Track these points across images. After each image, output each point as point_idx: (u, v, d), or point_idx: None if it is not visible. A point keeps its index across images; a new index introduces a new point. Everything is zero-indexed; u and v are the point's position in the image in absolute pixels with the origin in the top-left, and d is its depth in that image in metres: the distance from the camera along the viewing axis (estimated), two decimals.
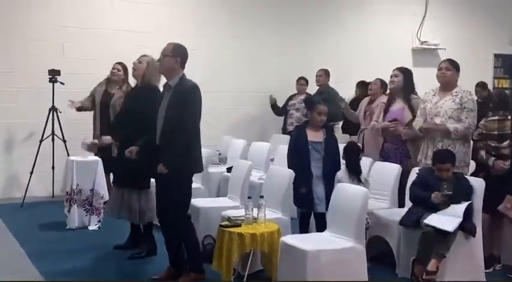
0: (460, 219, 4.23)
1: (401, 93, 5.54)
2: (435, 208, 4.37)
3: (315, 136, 4.92)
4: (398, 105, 5.53)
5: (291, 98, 8.45)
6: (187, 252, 4.40)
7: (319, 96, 7.90)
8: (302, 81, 8.44)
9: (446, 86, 5.06)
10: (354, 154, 4.90)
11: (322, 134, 4.96)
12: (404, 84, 5.54)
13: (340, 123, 8.15)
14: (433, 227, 4.21)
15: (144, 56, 5.03)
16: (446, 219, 4.24)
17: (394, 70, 5.65)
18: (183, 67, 4.33)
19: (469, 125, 4.89)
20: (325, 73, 8.31)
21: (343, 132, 8.14)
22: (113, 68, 6.71)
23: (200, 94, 4.26)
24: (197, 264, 4.39)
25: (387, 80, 6.88)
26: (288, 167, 4.97)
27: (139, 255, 4.99)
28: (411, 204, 4.67)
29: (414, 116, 5.27)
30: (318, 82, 8.26)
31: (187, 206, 4.37)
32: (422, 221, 4.32)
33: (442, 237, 4.19)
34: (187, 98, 4.21)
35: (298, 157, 4.90)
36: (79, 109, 6.81)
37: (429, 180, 4.52)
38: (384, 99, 6.41)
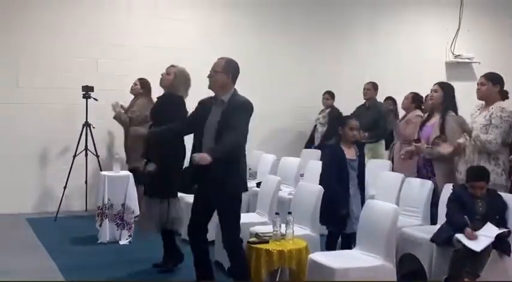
0: (491, 240, 4.12)
1: (440, 110, 5.33)
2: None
3: (349, 153, 4.84)
4: (433, 120, 5.38)
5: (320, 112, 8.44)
6: (234, 277, 4.31)
7: (367, 112, 7.84)
8: (326, 95, 8.37)
9: (486, 101, 5.00)
10: None
11: (355, 150, 4.88)
12: (443, 100, 5.29)
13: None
14: (463, 245, 4.11)
15: (172, 66, 5.11)
16: (478, 238, 4.14)
17: (434, 85, 5.42)
18: (234, 82, 4.28)
19: (489, 140, 4.78)
20: (374, 86, 8.02)
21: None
22: (135, 84, 6.97)
23: (252, 110, 4.23)
24: None
25: (422, 93, 6.88)
26: (324, 185, 4.83)
27: (168, 268, 5.01)
28: (444, 220, 4.56)
29: (442, 133, 5.15)
30: (366, 96, 8.01)
31: (239, 228, 4.25)
32: (454, 237, 4.21)
33: (475, 256, 4.08)
34: (242, 113, 4.16)
35: (338, 176, 4.77)
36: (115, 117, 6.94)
37: (463, 197, 4.42)
38: (416, 113, 6.35)
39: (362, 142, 5.18)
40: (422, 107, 6.75)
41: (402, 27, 9.72)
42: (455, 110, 5.30)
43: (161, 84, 5.13)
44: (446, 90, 5.34)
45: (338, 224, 4.74)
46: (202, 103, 4.40)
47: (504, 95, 5.22)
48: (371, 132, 7.53)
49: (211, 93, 4.34)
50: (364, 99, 8.06)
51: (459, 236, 4.19)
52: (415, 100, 6.86)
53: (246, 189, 4.39)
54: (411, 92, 6.99)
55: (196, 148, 4.25)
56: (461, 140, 5.02)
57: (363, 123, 7.23)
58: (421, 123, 5.56)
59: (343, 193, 4.72)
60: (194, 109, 4.47)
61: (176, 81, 5.00)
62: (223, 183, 4.10)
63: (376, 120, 7.70)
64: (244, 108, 4.20)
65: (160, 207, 4.95)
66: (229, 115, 4.14)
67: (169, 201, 4.97)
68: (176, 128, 4.60)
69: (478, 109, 5.09)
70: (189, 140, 4.51)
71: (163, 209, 4.95)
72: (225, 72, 4.23)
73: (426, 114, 5.67)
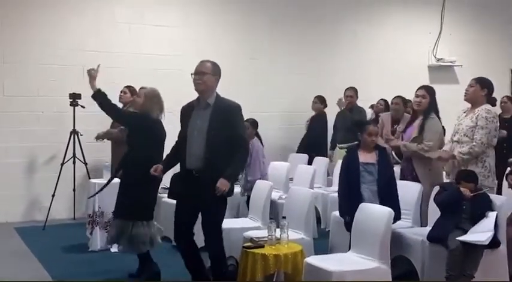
0: (492, 233, 4.23)
1: (424, 113, 5.44)
2: (462, 229, 4.35)
3: (367, 158, 4.85)
4: (416, 122, 5.47)
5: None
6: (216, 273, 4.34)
7: (350, 115, 7.92)
8: (315, 99, 8.46)
9: (472, 104, 5.09)
10: None
11: (375, 155, 4.88)
12: (429, 105, 5.39)
13: None
14: (465, 243, 4.18)
15: (142, 88, 5.18)
16: (478, 235, 4.23)
17: (420, 89, 5.44)
18: (216, 85, 4.34)
19: (475, 144, 4.87)
20: (355, 93, 8.14)
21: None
22: (121, 92, 6.93)
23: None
24: None
25: (406, 96, 6.97)
26: (338, 190, 4.94)
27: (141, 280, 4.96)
28: (436, 218, 4.63)
29: (420, 134, 5.24)
30: (350, 104, 8.11)
31: (221, 229, 4.32)
32: (451, 238, 4.28)
33: (470, 256, 4.17)
34: (237, 117, 4.23)
35: (347, 180, 4.82)
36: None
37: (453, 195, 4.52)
38: (407, 118, 6.46)
39: (384, 148, 5.17)
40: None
41: (384, 32, 9.85)
42: (436, 112, 5.42)
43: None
44: (431, 95, 5.43)
45: (347, 227, 4.74)
46: (183, 109, 4.43)
47: (492, 102, 5.30)
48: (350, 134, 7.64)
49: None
50: (347, 105, 8.15)
51: (461, 238, 4.25)
52: (405, 103, 7.01)
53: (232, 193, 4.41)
54: (398, 96, 7.08)
55: (181, 155, 4.27)
56: (456, 154, 5.01)
57: (347, 127, 7.39)
58: (406, 125, 5.66)
59: (350, 198, 4.70)
60: (180, 121, 4.44)
61: (147, 103, 4.94)
62: (214, 188, 4.10)
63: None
64: (239, 114, 4.26)
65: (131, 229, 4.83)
66: (220, 120, 4.16)
67: (142, 223, 4.86)
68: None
69: (464, 112, 5.17)
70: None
71: (135, 231, 4.83)
72: (213, 74, 4.27)
73: (409, 116, 5.78)
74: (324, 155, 8.06)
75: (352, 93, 8.14)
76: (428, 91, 5.44)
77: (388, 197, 4.73)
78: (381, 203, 4.64)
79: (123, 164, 5.02)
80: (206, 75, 4.24)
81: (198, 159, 4.18)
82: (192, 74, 4.30)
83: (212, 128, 4.16)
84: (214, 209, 4.23)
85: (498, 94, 9.11)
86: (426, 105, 5.36)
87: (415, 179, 5.27)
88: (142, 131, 4.86)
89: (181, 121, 4.46)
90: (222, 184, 4.06)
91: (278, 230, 4.43)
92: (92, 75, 5.02)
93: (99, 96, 4.92)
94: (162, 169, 4.43)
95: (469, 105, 5.18)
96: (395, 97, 7.45)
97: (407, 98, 6.99)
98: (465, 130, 4.97)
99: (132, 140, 4.96)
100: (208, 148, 4.15)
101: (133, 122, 4.99)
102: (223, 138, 4.15)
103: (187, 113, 4.38)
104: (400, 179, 5.38)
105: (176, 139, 4.50)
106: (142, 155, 4.76)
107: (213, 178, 4.09)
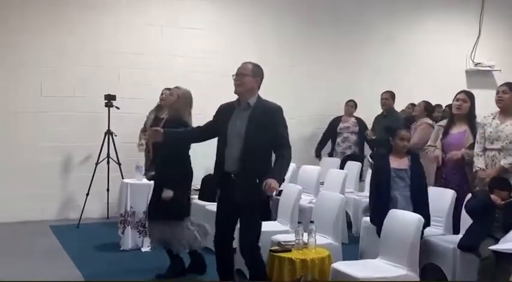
0: None
1: (465, 118, 5.37)
2: (494, 237, 4.25)
3: (399, 163, 4.80)
4: (459, 128, 5.38)
5: (336, 120, 8.41)
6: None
7: (384, 120, 7.85)
8: (351, 103, 8.40)
9: (505, 110, 4.95)
10: None
11: (407, 160, 4.82)
12: (469, 110, 5.34)
13: None
14: (496, 252, 4.06)
15: (177, 87, 5.06)
16: (510, 244, 4.11)
17: (461, 93, 5.40)
18: (259, 87, 4.25)
19: None
20: (391, 96, 8.04)
21: None
22: (162, 94, 6.92)
23: None
24: None
25: (443, 102, 6.91)
26: (369, 196, 4.91)
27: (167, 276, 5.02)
28: (468, 225, 4.53)
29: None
30: (384, 106, 8.03)
31: (259, 234, 4.23)
32: (482, 247, 4.18)
33: (502, 265, 4.06)
34: (279, 118, 4.16)
35: (378, 186, 4.77)
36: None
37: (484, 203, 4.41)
38: (426, 121, 6.39)
39: (417, 153, 5.11)
40: (433, 115, 6.84)
41: (422, 36, 9.71)
42: (474, 118, 5.38)
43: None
44: (472, 100, 5.39)
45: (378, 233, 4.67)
46: (222, 108, 4.35)
47: None
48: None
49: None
50: (382, 108, 8.08)
51: (492, 247, 4.15)
52: (427, 108, 7.00)
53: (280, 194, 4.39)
54: (422, 101, 7.14)
55: (219, 156, 4.22)
56: (503, 164, 4.86)
57: (380, 132, 7.30)
58: (444, 131, 5.50)
59: (381, 204, 4.63)
60: (214, 116, 4.42)
61: (178, 104, 4.92)
62: (253, 192, 4.04)
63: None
64: (280, 115, 4.17)
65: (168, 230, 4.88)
66: (261, 121, 4.08)
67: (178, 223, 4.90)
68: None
69: (493, 118, 5.01)
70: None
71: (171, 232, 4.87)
72: (253, 75, 4.20)
73: (446, 122, 5.61)
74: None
75: (387, 95, 8.04)
76: (470, 96, 5.39)
77: (420, 203, 4.66)
78: (415, 209, 4.57)
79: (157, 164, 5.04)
80: (246, 77, 4.17)
81: (235, 162, 4.10)
82: (233, 76, 4.25)
83: (250, 130, 4.08)
84: (252, 213, 4.14)
85: None
86: (467, 109, 5.29)
87: (461, 187, 5.15)
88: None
89: (214, 117, 4.39)
90: (272, 183, 3.90)
91: (306, 235, 4.41)
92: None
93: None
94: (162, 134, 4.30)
95: (494, 111, 5.04)
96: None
97: (436, 104, 7.01)
98: (511, 137, 4.81)
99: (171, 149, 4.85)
100: (245, 150, 4.06)
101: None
102: (262, 141, 4.08)
103: (225, 112, 4.29)
104: (437, 186, 5.31)
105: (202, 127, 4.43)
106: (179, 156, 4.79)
107: (250, 181, 4.02)
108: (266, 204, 4.87)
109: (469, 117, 5.33)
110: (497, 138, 4.91)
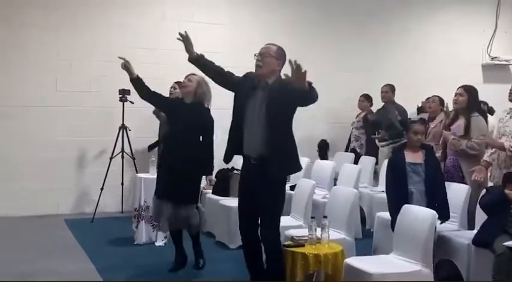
0: None
1: (465, 112, 5.40)
2: (509, 233, 4.20)
3: (413, 157, 4.76)
4: (459, 122, 5.43)
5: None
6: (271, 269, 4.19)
7: (377, 112, 7.86)
8: (362, 98, 8.35)
9: None
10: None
11: (422, 155, 4.78)
12: (467, 104, 5.37)
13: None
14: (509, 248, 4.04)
15: (193, 74, 5.05)
16: None
17: (458, 88, 5.49)
18: (280, 71, 4.08)
19: None
20: (391, 89, 8.04)
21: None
22: (171, 87, 6.85)
23: None
24: None
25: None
26: (386, 191, 4.87)
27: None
28: (483, 221, 4.49)
29: (467, 134, 5.20)
30: (384, 98, 8.04)
31: (279, 226, 4.14)
32: (497, 243, 4.14)
33: None
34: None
35: (394, 181, 4.73)
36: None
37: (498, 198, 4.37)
38: (442, 117, 6.36)
39: (431, 146, 5.08)
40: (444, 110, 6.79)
41: (437, 29, 9.61)
42: (480, 111, 5.45)
43: (182, 90, 5.05)
44: (470, 93, 5.40)
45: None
46: (247, 78, 4.17)
47: None
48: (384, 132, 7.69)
49: None
50: (382, 101, 8.06)
51: (507, 243, 4.10)
52: (441, 102, 6.95)
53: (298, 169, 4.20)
54: (435, 95, 7.10)
55: (234, 133, 4.08)
56: (505, 143, 4.88)
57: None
58: (447, 126, 5.59)
59: (399, 199, 4.57)
60: (239, 78, 4.23)
61: (201, 89, 4.93)
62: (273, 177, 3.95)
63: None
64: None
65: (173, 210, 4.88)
66: (280, 96, 3.91)
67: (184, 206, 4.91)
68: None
69: (508, 113, 5.01)
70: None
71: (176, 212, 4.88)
72: (276, 57, 4.08)
73: (450, 117, 5.69)
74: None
75: (387, 88, 8.02)
76: (467, 89, 5.41)
77: (437, 196, 4.64)
78: (428, 203, 4.54)
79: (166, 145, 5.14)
80: (268, 57, 4.03)
81: (259, 145, 3.96)
82: (255, 55, 4.10)
83: (272, 104, 3.91)
84: (274, 196, 4.05)
85: None
86: (464, 103, 5.34)
87: (462, 179, 5.17)
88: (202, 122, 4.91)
89: (239, 78, 4.23)
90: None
91: (319, 229, 4.39)
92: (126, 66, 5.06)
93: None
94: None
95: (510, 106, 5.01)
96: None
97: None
98: None
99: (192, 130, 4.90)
100: (272, 129, 3.92)
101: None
102: (286, 119, 3.99)
103: (246, 84, 4.11)
104: (446, 180, 5.25)
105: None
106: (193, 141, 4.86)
107: (272, 168, 3.91)
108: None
109: (469, 111, 5.34)
110: (504, 133, 4.93)
